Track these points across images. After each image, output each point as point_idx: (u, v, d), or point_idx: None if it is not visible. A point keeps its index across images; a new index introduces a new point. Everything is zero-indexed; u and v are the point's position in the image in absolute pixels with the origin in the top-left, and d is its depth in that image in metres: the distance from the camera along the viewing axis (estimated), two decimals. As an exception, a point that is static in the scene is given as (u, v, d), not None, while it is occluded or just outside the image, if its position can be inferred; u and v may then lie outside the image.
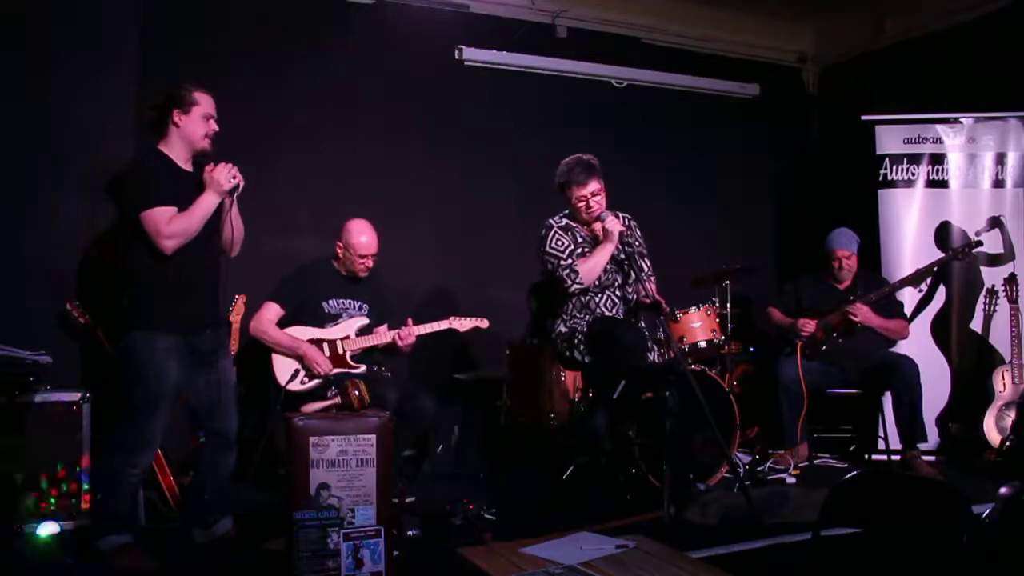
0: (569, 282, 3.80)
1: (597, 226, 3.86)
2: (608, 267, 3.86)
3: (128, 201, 2.94)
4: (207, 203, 2.97)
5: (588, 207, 3.83)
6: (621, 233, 3.77)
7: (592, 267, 3.81)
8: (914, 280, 4.69)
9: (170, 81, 3.08)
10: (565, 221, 3.94)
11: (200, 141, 3.01)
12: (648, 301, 3.76)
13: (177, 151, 3.02)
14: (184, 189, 2.97)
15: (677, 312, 4.13)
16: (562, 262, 3.82)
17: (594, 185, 3.82)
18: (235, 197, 3.05)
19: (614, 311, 3.91)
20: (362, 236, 3.87)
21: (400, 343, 3.87)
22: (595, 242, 3.90)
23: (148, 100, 3.07)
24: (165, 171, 2.98)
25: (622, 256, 3.86)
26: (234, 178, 3.00)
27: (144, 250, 2.92)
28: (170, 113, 2.98)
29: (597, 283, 3.86)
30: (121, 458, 2.94)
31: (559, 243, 3.86)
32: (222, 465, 3.16)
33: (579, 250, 3.87)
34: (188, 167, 3.05)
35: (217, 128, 3.05)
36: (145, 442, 2.95)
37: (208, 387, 3.08)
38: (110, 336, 3.50)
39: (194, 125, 2.99)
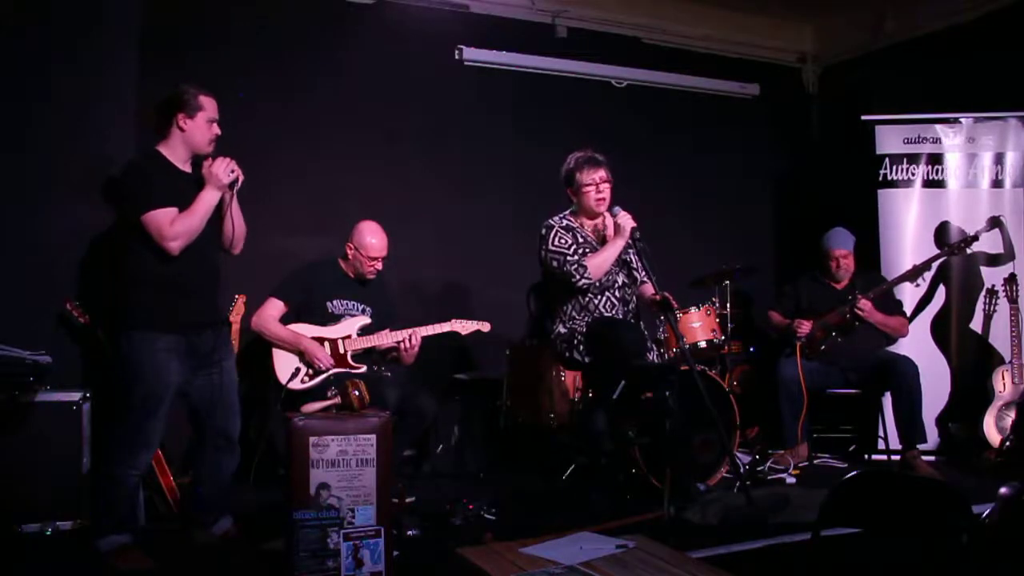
0: (578, 276, 3.73)
1: (610, 221, 3.83)
2: (611, 267, 3.82)
3: (128, 203, 2.93)
4: (208, 199, 2.96)
5: (598, 191, 3.80)
6: (632, 228, 3.73)
7: (602, 262, 3.75)
8: (911, 276, 4.67)
9: (171, 81, 3.07)
10: (566, 222, 3.90)
11: (205, 146, 3.01)
12: (659, 298, 3.70)
13: (178, 153, 3.01)
14: (184, 190, 2.96)
15: (678, 312, 4.12)
16: (569, 258, 3.76)
17: (604, 172, 3.82)
18: (235, 192, 3.05)
19: (613, 312, 3.88)
20: (372, 238, 3.87)
21: (404, 352, 3.82)
22: (600, 241, 3.88)
23: (151, 101, 3.06)
24: (163, 172, 2.97)
25: (628, 254, 3.85)
26: (232, 171, 2.99)
27: (142, 250, 2.92)
28: (174, 116, 2.97)
29: (598, 284, 3.81)
30: (120, 459, 2.94)
31: (562, 241, 3.81)
32: (224, 466, 3.15)
33: (582, 250, 3.81)
34: (187, 168, 3.04)
35: (220, 132, 3.05)
36: (144, 443, 2.96)
37: (209, 387, 3.07)
38: (110, 336, 3.49)
39: (200, 130, 2.99)
